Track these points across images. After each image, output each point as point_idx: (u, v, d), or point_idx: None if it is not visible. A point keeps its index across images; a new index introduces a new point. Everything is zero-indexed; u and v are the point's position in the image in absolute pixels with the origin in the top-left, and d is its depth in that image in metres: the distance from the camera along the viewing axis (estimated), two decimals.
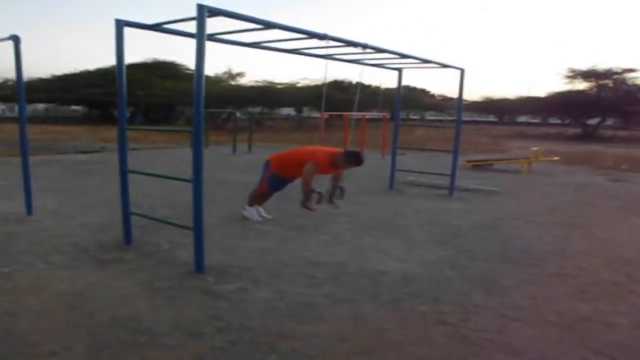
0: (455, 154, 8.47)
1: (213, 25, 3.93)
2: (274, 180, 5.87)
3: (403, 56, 6.56)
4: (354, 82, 34.13)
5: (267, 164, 5.95)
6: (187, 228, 4.16)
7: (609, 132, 32.07)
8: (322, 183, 5.70)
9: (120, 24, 4.35)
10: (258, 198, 6.06)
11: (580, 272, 4.42)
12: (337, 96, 31.05)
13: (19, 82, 5.65)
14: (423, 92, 48.42)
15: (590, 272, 4.45)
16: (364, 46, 5.48)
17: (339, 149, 5.74)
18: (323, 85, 5.56)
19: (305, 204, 5.31)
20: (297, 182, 5.72)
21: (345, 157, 5.48)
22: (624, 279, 4.28)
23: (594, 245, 5.36)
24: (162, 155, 13.83)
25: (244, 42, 5.43)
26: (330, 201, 5.68)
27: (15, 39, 5.38)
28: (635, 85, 29.96)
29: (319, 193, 5.37)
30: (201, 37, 3.75)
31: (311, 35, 4.77)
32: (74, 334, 2.99)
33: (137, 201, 5.35)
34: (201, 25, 3.72)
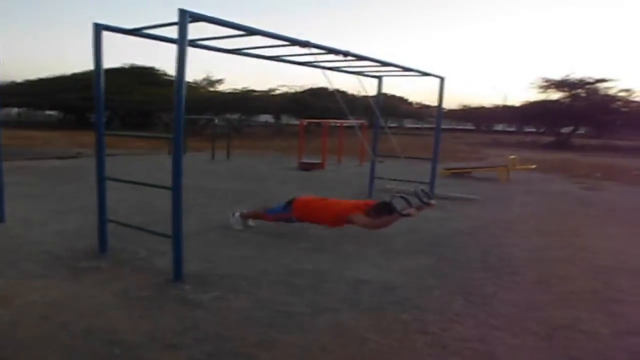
0: (435, 161, 8.51)
1: (194, 31, 3.88)
2: (287, 220, 5.64)
3: (383, 64, 6.57)
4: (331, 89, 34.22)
5: (290, 206, 5.56)
6: (166, 236, 4.07)
7: (582, 141, 32.73)
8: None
9: (99, 28, 4.26)
10: (255, 218, 5.98)
11: (560, 280, 4.46)
12: (316, 103, 31.10)
13: None
14: (401, 99, 48.83)
15: (569, 280, 4.48)
16: (345, 54, 5.48)
17: (369, 201, 5.49)
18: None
19: (402, 214, 4.74)
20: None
21: (378, 210, 5.11)
22: (602, 287, 4.31)
23: (572, 253, 5.42)
24: (138, 161, 13.65)
25: (226, 49, 5.38)
26: (424, 202, 5.06)
27: None
28: (607, 95, 30.64)
29: (400, 197, 4.88)
30: (182, 42, 3.70)
31: (293, 42, 4.75)
32: (46, 346, 2.89)
33: (113, 208, 5.24)
34: (183, 31, 3.67)
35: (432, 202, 5.13)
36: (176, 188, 3.88)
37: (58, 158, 13.85)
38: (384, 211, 5.01)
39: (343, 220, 5.19)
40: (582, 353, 3.04)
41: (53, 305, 3.47)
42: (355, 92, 31.85)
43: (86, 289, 3.80)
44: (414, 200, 4.97)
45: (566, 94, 31.67)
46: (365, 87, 6.47)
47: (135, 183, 5.21)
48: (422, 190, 5.19)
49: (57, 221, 5.96)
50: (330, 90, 5.64)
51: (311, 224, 5.57)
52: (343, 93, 29.51)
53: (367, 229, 5.19)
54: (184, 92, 3.80)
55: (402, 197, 4.86)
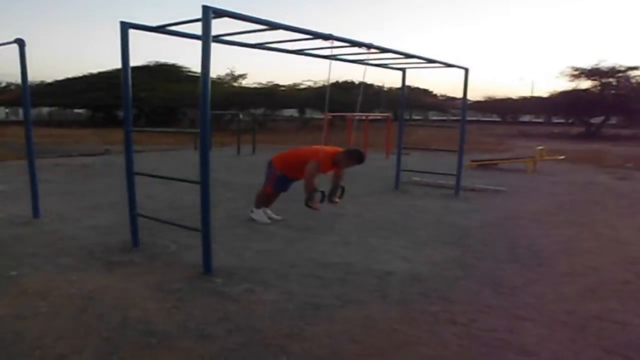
0: (461, 153, 8.45)
1: (217, 26, 3.92)
2: (279, 180, 5.88)
3: (407, 56, 6.54)
4: (357, 82, 34.19)
5: (270, 164, 5.98)
6: (195, 230, 4.15)
7: (613, 131, 31.97)
8: (324, 182, 5.69)
9: (126, 27, 4.35)
10: (264, 199, 6.06)
11: (590, 271, 4.40)
12: (341, 97, 31.06)
13: (24, 86, 5.65)
14: (425, 92, 48.42)
15: (599, 271, 4.43)
16: (369, 46, 5.47)
17: (340, 148, 5.73)
18: (327, 85, 5.50)
19: (309, 203, 5.31)
20: (301, 183, 5.72)
21: (347, 155, 5.52)
22: (634, 278, 4.25)
23: (602, 244, 5.34)
24: (165, 157, 13.85)
25: (249, 43, 5.43)
26: (330, 200, 5.65)
27: (20, 43, 5.39)
28: (639, 84, 29.84)
29: (322, 192, 5.37)
30: (207, 38, 3.74)
31: (316, 35, 4.76)
32: (84, 336, 2.98)
33: (143, 203, 5.36)
34: (207, 27, 3.72)
35: (336, 200, 5.70)
36: (204, 182, 3.94)
37: (88, 155, 14.15)
38: (353, 158, 5.50)
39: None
40: (614, 344, 3.01)
41: (89, 297, 3.58)
42: (379, 85, 31.78)
43: (120, 281, 3.91)
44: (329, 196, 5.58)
45: (596, 83, 30.93)
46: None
47: (163, 178, 5.31)
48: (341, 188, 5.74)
49: (89, 216, 6.11)
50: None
51: (297, 178, 5.81)
52: (368, 86, 29.44)
53: (305, 176, 5.43)
54: (209, 87, 3.85)
55: (321, 191, 5.37)
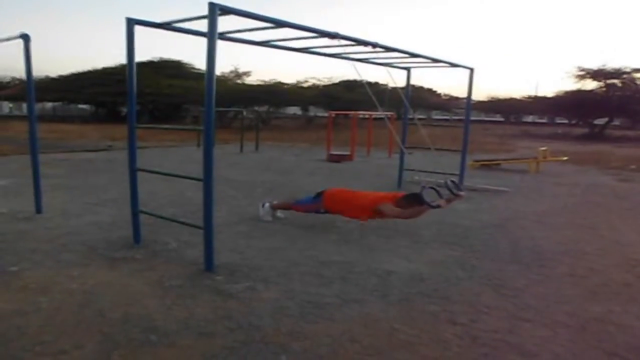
0: (464, 153, 8.44)
1: (222, 23, 3.92)
2: (317, 211, 5.74)
3: (412, 55, 6.54)
4: (359, 80, 34.15)
5: (319, 197, 5.69)
6: (198, 227, 4.16)
7: (617, 132, 31.87)
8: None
9: (131, 23, 4.35)
10: (285, 208, 6.05)
11: (591, 273, 4.39)
12: (344, 95, 31.05)
13: (29, 81, 5.65)
14: (430, 91, 48.37)
15: (600, 273, 4.42)
16: (374, 45, 5.46)
17: (398, 193, 5.53)
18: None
19: (432, 205, 4.87)
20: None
21: (408, 201, 5.19)
22: (636, 280, 4.24)
23: (604, 246, 5.32)
24: (168, 154, 13.87)
25: (254, 41, 5.43)
26: (454, 194, 5.21)
27: (25, 38, 5.39)
28: None
29: (431, 188, 4.97)
30: (212, 35, 3.74)
31: (321, 34, 4.75)
32: (84, 332, 2.99)
33: (145, 199, 5.36)
34: (212, 24, 3.71)
35: (462, 193, 5.28)
36: (207, 179, 3.94)
37: (91, 151, 14.18)
38: (413, 202, 5.09)
39: (372, 211, 5.25)
40: (615, 346, 3.00)
41: (90, 293, 3.58)
42: (383, 84, 31.67)
43: (122, 278, 3.91)
44: (444, 192, 5.09)
45: (601, 84, 30.83)
46: (393, 79, 6.47)
47: (166, 174, 5.32)
48: (452, 182, 5.30)
49: (91, 212, 6.12)
50: (360, 81, 5.70)
51: (340, 215, 5.62)
52: (372, 85, 29.43)
53: (398, 219, 5.23)
54: (214, 84, 3.84)
55: (432, 188, 4.94)
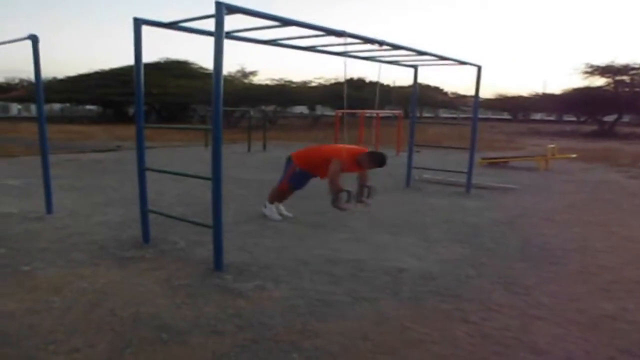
0: (472, 151, 8.40)
1: (229, 22, 3.92)
2: (297, 176, 5.86)
3: (419, 53, 6.50)
4: (367, 80, 34.11)
5: (290, 160, 5.95)
6: (207, 226, 4.16)
7: (627, 129, 31.63)
8: (348, 182, 5.66)
9: (139, 23, 4.36)
10: (278, 195, 6.05)
11: (602, 270, 4.36)
12: (352, 94, 30.96)
13: (37, 82, 5.68)
14: (437, 89, 48.21)
15: (612, 270, 4.38)
16: (381, 43, 5.43)
17: (363, 148, 5.72)
18: (341, 82, 5.52)
19: (335, 204, 5.27)
20: (317, 181, 5.71)
21: (369, 158, 5.55)
22: None
23: (615, 243, 5.28)
24: (176, 154, 13.92)
25: (261, 40, 5.42)
26: (360, 200, 5.60)
27: (34, 39, 5.42)
28: None
29: (348, 192, 5.29)
30: (219, 35, 3.74)
31: (329, 32, 4.74)
32: (96, 331, 3.00)
33: (154, 199, 5.37)
34: (220, 23, 3.71)
35: (369, 202, 5.70)
36: (216, 179, 3.94)
37: (99, 151, 14.25)
38: (374, 161, 5.53)
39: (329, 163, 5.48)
40: (629, 344, 2.98)
41: (101, 292, 3.60)
42: (390, 83, 31.62)
43: (132, 277, 3.93)
44: (355, 196, 5.48)
45: (610, 80, 30.60)
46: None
47: (175, 174, 5.32)
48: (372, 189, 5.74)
49: (101, 212, 6.15)
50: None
51: (314, 173, 5.83)
52: (381, 84, 29.34)
53: (329, 176, 5.40)
54: (221, 84, 3.84)
55: (347, 191, 5.28)
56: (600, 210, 7.12)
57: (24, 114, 45.76)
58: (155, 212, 4.92)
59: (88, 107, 44.70)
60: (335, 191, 5.27)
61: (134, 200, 5.06)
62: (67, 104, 42.61)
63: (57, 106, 44.78)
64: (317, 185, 6.00)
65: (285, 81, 35.80)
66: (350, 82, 32.60)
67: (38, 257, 4.35)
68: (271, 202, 6.03)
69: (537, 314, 3.39)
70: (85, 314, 3.23)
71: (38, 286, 3.69)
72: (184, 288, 3.71)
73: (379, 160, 5.56)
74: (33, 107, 33.31)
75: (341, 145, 5.65)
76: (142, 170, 4.74)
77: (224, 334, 2.99)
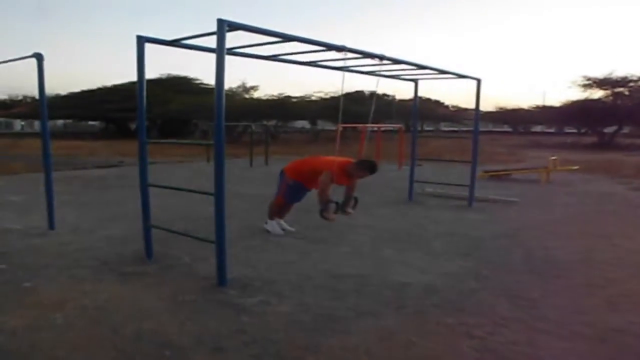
0: (474, 164, 8.40)
1: (230, 39, 3.95)
2: (291, 189, 5.87)
3: (419, 67, 6.53)
4: (367, 93, 34.23)
5: (282, 173, 5.99)
6: (209, 241, 4.15)
7: (627, 141, 31.65)
8: (338, 193, 5.68)
9: (142, 40, 4.39)
10: (277, 210, 6.05)
11: (608, 283, 4.33)
12: (352, 108, 31.09)
13: (42, 99, 5.71)
14: (437, 103, 48.36)
15: (617, 282, 4.35)
16: (381, 57, 5.46)
17: (353, 159, 5.73)
18: (340, 96, 5.54)
19: (323, 214, 5.30)
20: (314, 194, 5.70)
21: (359, 166, 5.53)
22: None
23: (620, 255, 5.25)
24: (178, 169, 13.94)
25: (262, 55, 5.45)
26: (344, 211, 5.61)
27: (39, 57, 5.46)
28: None
29: (336, 203, 5.36)
30: (221, 51, 3.77)
31: (329, 47, 4.77)
32: (98, 348, 2.98)
33: (156, 214, 5.35)
34: (221, 40, 3.74)
35: (351, 211, 5.68)
36: (219, 194, 3.94)
37: (102, 167, 14.27)
38: (365, 168, 5.49)
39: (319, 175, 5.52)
40: (637, 358, 2.95)
41: (103, 308, 3.58)
42: (392, 95, 31.71)
43: (134, 293, 3.91)
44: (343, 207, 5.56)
45: (608, 92, 30.71)
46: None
47: (178, 189, 5.32)
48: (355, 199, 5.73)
49: (103, 228, 6.14)
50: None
51: (307, 185, 5.86)
52: (379, 97, 29.48)
53: (319, 187, 5.45)
54: (223, 99, 3.86)
55: (336, 202, 5.39)
56: (603, 222, 7.09)
57: (27, 130, 45.97)
58: (158, 228, 4.91)
59: (91, 122, 44.94)
60: (324, 201, 5.29)
61: (137, 216, 5.06)
62: (70, 120, 42.86)
63: (59, 122, 45.02)
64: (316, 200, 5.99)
65: (284, 96, 35.95)
66: (349, 96, 32.78)
67: (40, 273, 4.33)
68: (271, 219, 6.02)
69: (543, 327, 3.36)
70: (88, 331, 3.21)
71: (40, 303, 3.67)
72: (187, 304, 3.70)
73: (369, 167, 5.52)
74: (36, 123, 33.54)
75: (332, 157, 5.66)
76: (145, 186, 4.74)
77: (228, 350, 2.97)
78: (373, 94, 6.55)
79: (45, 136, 5.87)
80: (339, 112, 6.34)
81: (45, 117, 5.84)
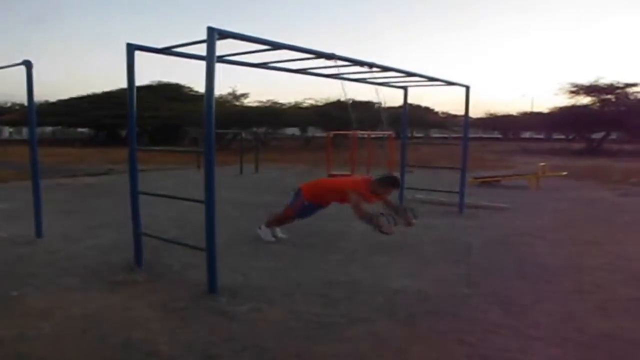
0: (463, 170, 8.43)
1: (220, 46, 3.95)
2: (305, 208, 5.85)
3: (409, 74, 6.57)
4: (355, 100, 34.33)
5: (299, 192, 5.89)
6: (200, 249, 4.12)
7: (615, 146, 31.98)
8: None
9: (132, 48, 4.38)
10: (280, 221, 6.02)
11: (598, 289, 4.35)
12: (342, 116, 31.14)
13: (30, 106, 5.68)
14: (427, 109, 48.61)
15: (608, 288, 4.37)
16: (371, 65, 5.49)
17: (371, 177, 5.73)
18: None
19: (382, 230, 5.14)
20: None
21: (383, 183, 5.56)
22: None
23: (610, 261, 5.28)
24: (168, 177, 13.86)
25: (252, 63, 5.46)
26: (408, 223, 5.58)
27: (28, 64, 5.42)
28: (638, 100, 29.92)
29: (382, 214, 5.24)
30: (211, 59, 3.77)
31: (319, 55, 4.78)
32: (87, 357, 2.95)
33: (146, 222, 5.31)
34: (211, 48, 3.75)
35: (414, 221, 5.63)
36: (209, 201, 3.93)
37: (91, 175, 14.16)
38: (387, 184, 5.52)
39: (345, 195, 5.49)
40: None
41: (92, 317, 3.54)
42: (380, 103, 31.75)
43: (124, 301, 3.87)
44: (399, 218, 5.43)
45: (595, 99, 31.07)
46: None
47: (168, 197, 5.29)
48: (411, 209, 5.75)
49: (92, 236, 6.08)
50: (343, 100, 5.89)
51: (324, 203, 5.90)
52: (368, 104, 29.57)
53: (353, 209, 5.42)
54: (213, 107, 3.85)
55: (386, 215, 5.25)
56: (593, 228, 7.14)
57: (16, 136, 45.60)
58: (148, 235, 4.88)
59: (80, 129, 44.66)
60: (368, 217, 5.22)
61: (126, 224, 5.01)
62: (59, 127, 42.59)
63: (48, 128, 44.71)
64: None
65: (274, 102, 36.00)
66: (339, 103, 32.84)
67: (27, 282, 4.28)
68: (268, 226, 5.98)
69: (534, 333, 3.36)
70: (76, 340, 3.17)
71: (27, 312, 3.62)
72: (177, 312, 3.66)
73: (391, 182, 5.61)
74: (25, 129, 33.28)
75: (352, 178, 5.69)
76: (135, 194, 4.70)
77: (220, 358, 2.94)
78: (348, 102, 6.56)
79: (34, 144, 5.82)
80: (328, 119, 6.38)
81: (34, 124, 5.80)
